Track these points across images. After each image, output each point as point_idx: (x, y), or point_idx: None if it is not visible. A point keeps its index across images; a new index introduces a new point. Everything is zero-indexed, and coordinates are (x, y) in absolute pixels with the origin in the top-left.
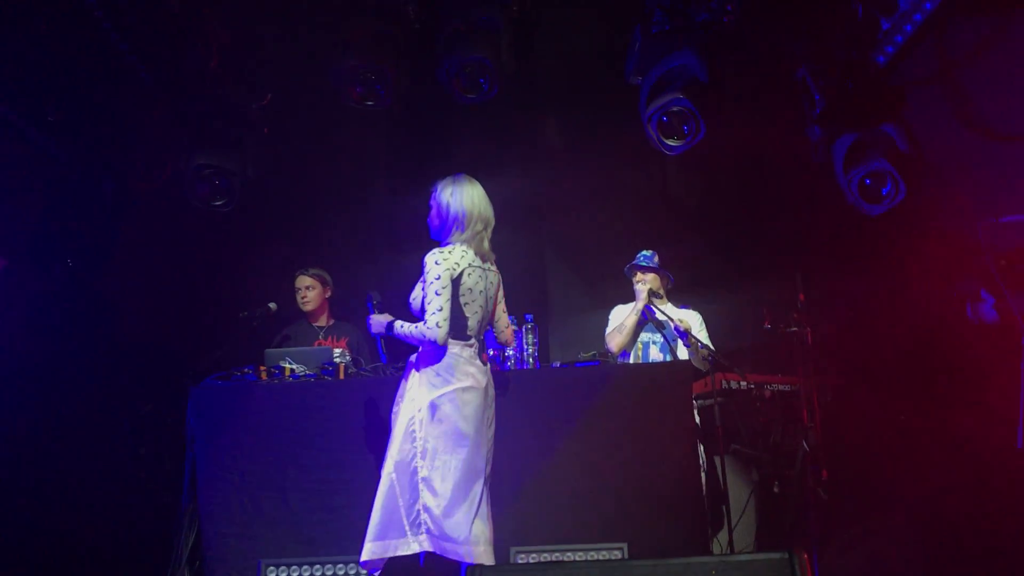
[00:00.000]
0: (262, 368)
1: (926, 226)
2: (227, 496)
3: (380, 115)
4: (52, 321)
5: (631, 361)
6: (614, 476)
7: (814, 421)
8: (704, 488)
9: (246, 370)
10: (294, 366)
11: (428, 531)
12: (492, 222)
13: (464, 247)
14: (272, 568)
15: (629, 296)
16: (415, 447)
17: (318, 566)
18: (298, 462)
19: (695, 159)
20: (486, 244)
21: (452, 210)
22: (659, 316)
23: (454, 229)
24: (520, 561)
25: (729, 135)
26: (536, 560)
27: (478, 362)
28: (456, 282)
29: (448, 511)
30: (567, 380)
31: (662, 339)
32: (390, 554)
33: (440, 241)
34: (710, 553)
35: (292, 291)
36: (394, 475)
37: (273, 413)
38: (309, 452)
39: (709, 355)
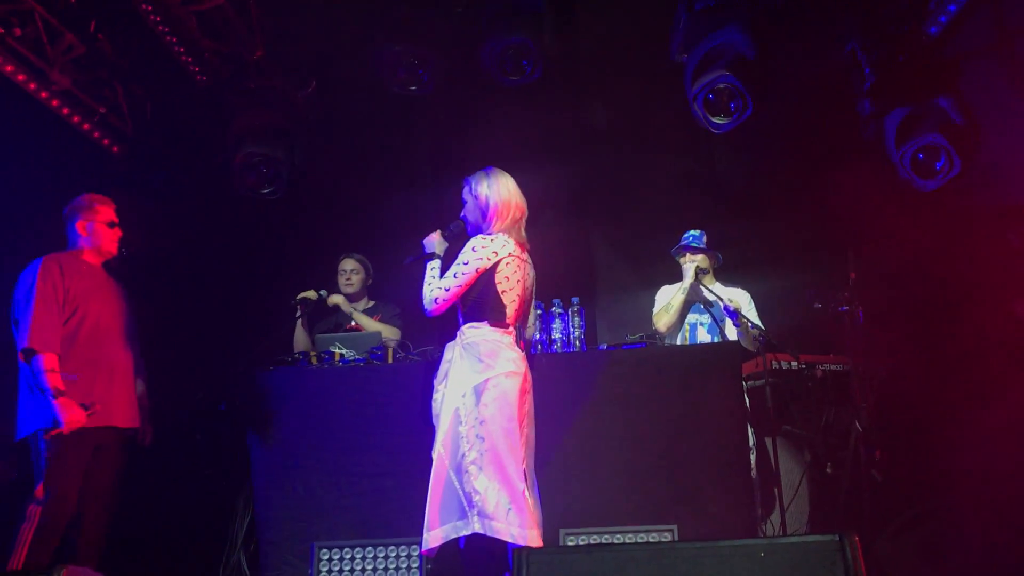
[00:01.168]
0: (313, 353)
1: (982, 202)
2: (280, 480)
3: (423, 100)
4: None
5: (679, 342)
6: (664, 458)
7: (867, 401)
8: (755, 470)
9: (297, 356)
10: (344, 351)
11: (479, 513)
12: (526, 213)
13: (505, 237)
14: (325, 550)
15: (677, 276)
16: (461, 431)
17: (370, 548)
18: (349, 446)
19: (742, 137)
20: (523, 234)
21: (491, 201)
22: (707, 296)
23: (494, 220)
24: (570, 543)
25: (777, 112)
26: (585, 542)
27: (518, 349)
28: (492, 271)
29: (496, 494)
30: (614, 362)
31: (710, 320)
32: (451, 536)
33: (480, 229)
34: (761, 535)
35: (334, 275)
36: (445, 459)
37: (324, 397)
38: (360, 435)
39: (760, 335)
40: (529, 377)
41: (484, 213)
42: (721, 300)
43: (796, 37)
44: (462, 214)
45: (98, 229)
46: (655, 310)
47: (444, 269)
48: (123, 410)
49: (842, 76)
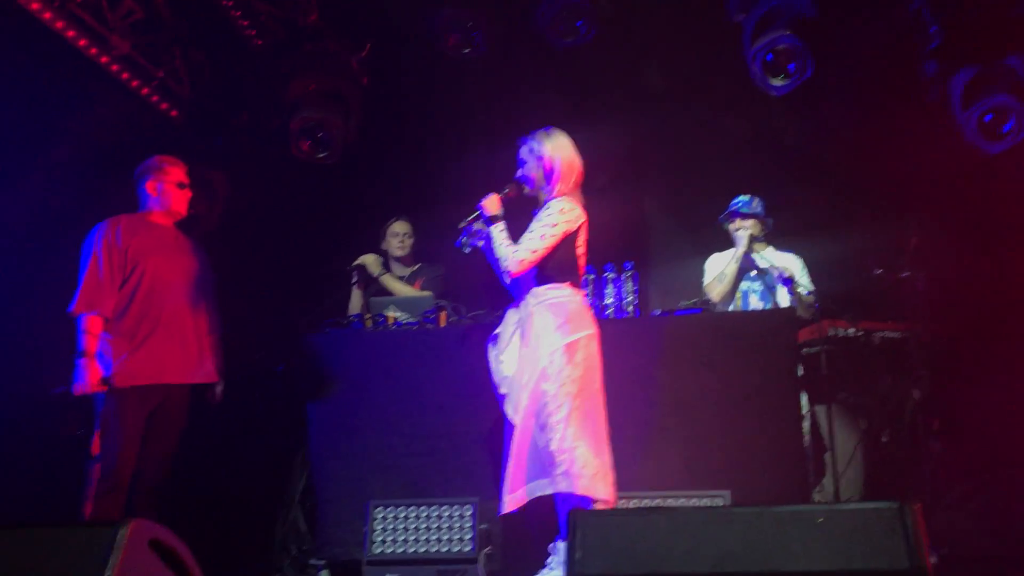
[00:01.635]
0: (367, 316)
1: None
2: (336, 440)
3: (477, 63)
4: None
5: (730, 311)
6: (717, 424)
7: (926, 369)
8: (808, 438)
9: (352, 318)
10: (397, 314)
11: (565, 472)
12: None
13: (575, 201)
14: (380, 508)
15: (729, 242)
16: (548, 389)
17: (423, 507)
18: (403, 407)
19: (802, 99)
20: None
21: (556, 163)
22: (760, 262)
23: (558, 182)
24: (623, 507)
25: (838, 73)
26: (638, 506)
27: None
28: (576, 234)
29: (584, 453)
30: (668, 328)
31: (762, 287)
32: (534, 495)
33: (547, 195)
34: (813, 502)
35: (381, 238)
36: (529, 419)
37: (378, 359)
38: (413, 397)
39: (815, 301)
40: None
41: (548, 175)
42: (774, 267)
43: None
44: (520, 175)
45: (167, 189)
46: (706, 280)
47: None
48: (183, 367)
49: (906, 36)
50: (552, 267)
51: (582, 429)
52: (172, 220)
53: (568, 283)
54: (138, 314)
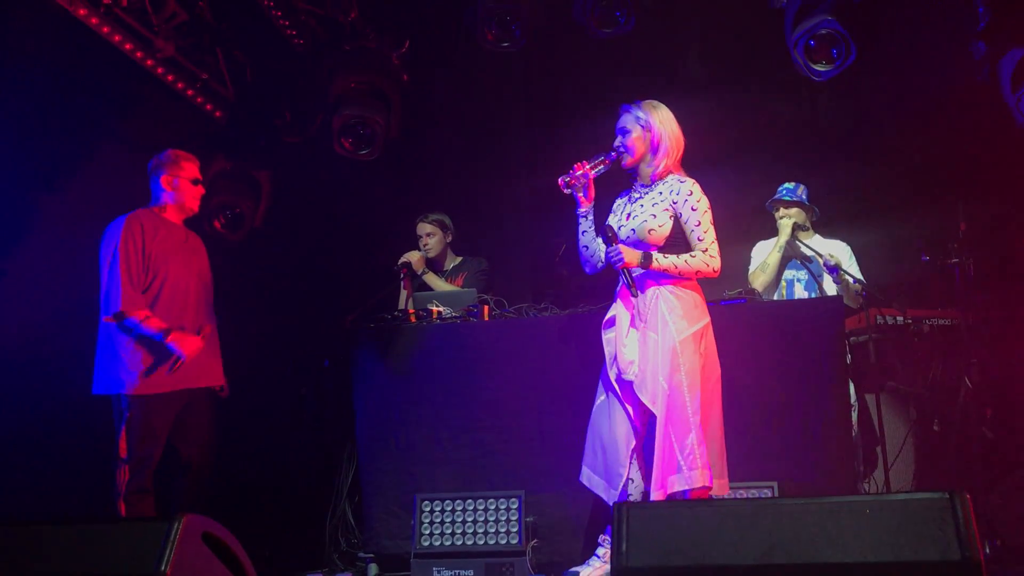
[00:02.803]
0: (412, 311)
1: None
2: (383, 434)
3: (516, 56)
4: (214, 271)
5: (775, 300)
6: (763, 415)
7: (977, 357)
8: (856, 427)
9: (397, 313)
10: (441, 308)
11: (704, 464)
12: None
13: None
14: (427, 502)
15: (775, 230)
16: (683, 379)
17: (470, 500)
18: (448, 401)
19: (845, 84)
20: None
21: (666, 135)
22: (805, 251)
23: (665, 155)
24: None
25: (882, 57)
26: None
27: None
28: None
29: (712, 445)
30: (712, 318)
31: (807, 275)
32: (672, 489)
33: (651, 168)
34: (862, 493)
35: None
36: (671, 410)
37: (423, 354)
38: (457, 391)
39: (862, 290)
40: None
41: (656, 147)
42: (820, 256)
43: None
44: (621, 144)
45: (182, 185)
46: (751, 268)
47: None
48: (204, 370)
49: (953, 17)
50: (677, 251)
51: (709, 420)
52: (184, 216)
53: None
54: (162, 319)
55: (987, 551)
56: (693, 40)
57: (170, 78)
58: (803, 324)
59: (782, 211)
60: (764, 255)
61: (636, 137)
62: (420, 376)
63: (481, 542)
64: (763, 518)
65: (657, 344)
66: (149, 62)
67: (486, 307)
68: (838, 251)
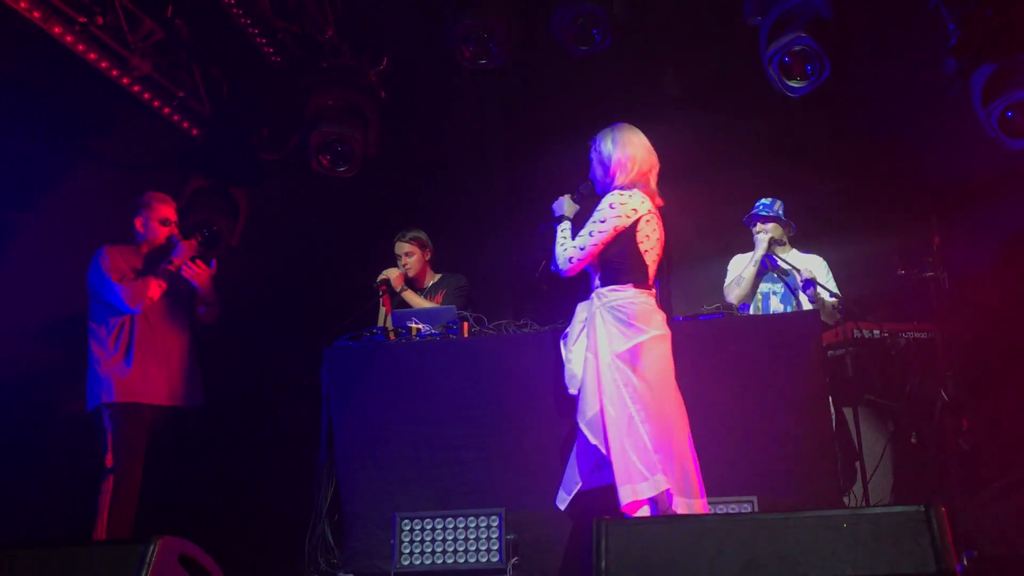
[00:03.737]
0: (391, 328)
1: None
2: (362, 452)
3: (494, 74)
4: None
5: (751, 313)
6: (742, 430)
7: (953, 369)
8: (836, 440)
9: (375, 331)
10: (420, 325)
11: (635, 478)
12: (656, 166)
13: (642, 194)
14: (407, 520)
15: (752, 244)
16: (609, 398)
17: (450, 519)
18: (427, 418)
19: (820, 100)
20: (655, 188)
21: (613, 156)
22: (782, 265)
23: (617, 175)
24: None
25: (857, 73)
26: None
27: (660, 310)
28: (633, 229)
29: (657, 459)
30: (690, 333)
31: (784, 289)
32: (640, 496)
33: (606, 191)
34: (843, 507)
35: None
36: (612, 418)
37: (402, 371)
38: (437, 408)
39: (839, 304)
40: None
41: (606, 169)
42: (797, 271)
43: None
44: (590, 174)
45: (152, 226)
46: (726, 281)
47: (575, 232)
48: (171, 391)
49: (924, 33)
50: (610, 265)
51: (649, 436)
52: (156, 249)
53: (631, 283)
54: (132, 339)
55: (964, 562)
56: (669, 57)
57: (146, 96)
58: (781, 338)
59: (759, 226)
60: (740, 268)
61: (594, 165)
62: (399, 394)
63: (462, 560)
64: (741, 534)
65: (592, 364)
66: (125, 80)
67: (466, 324)
68: (814, 266)
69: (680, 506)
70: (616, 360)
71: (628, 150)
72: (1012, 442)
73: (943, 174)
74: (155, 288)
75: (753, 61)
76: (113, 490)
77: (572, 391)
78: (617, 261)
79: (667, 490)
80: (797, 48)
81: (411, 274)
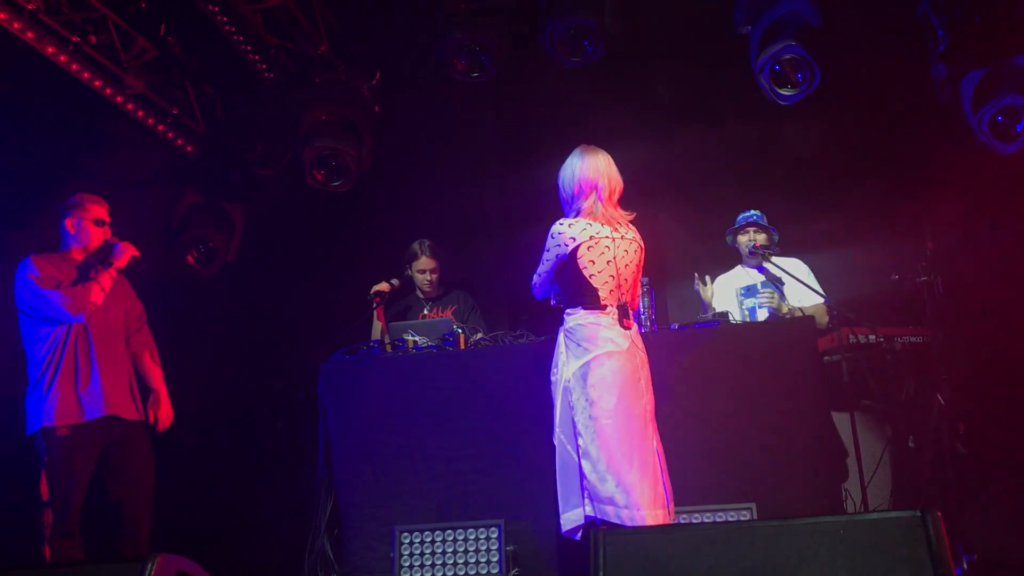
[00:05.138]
0: (387, 341)
1: None
2: (360, 466)
3: (486, 87)
4: (189, 305)
5: None
6: (741, 436)
7: (948, 373)
8: (834, 446)
9: (372, 344)
10: (417, 338)
11: (590, 496)
12: (615, 187)
13: (588, 219)
14: (406, 534)
15: (737, 257)
16: (571, 414)
17: (449, 531)
18: (425, 431)
19: (812, 108)
20: (611, 210)
21: (568, 183)
22: (773, 272)
23: (575, 200)
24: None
25: (847, 80)
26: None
27: (619, 328)
28: (573, 256)
29: (603, 476)
30: (687, 342)
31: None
32: (580, 522)
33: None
34: (842, 512)
35: (405, 264)
36: (565, 444)
37: (399, 384)
38: (435, 421)
39: (833, 309)
40: (640, 355)
41: (563, 196)
42: (790, 275)
43: (864, 2)
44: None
45: (85, 227)
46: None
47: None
48: (119, 402)
49: (914, 40)
50: (563, 290)
51: (605, 453)
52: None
53: (580, 306)
54: (69, 355)
55: (964, 566)
56: (660, 67)
57: (140, 114)
58: (777, 345)
59: (752, 233)
60: (723, 287)
61: (559, 193)
62: (396, 407)
63: (461, 572)
64: (737, 541)
65: (556, 383)
66: (119, 98)
67: (461, 335)
68: (795, 269)
69: (647, 518)
70: (569, 381)
71: (577, 173)
72: (1009, 445)
73: (935, 179)
74: (97, 292)
75: (744, 70)
76: (52, 526)
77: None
78: (567, 286)
79: (615, 507)
80: (787, 56)
81: (429, 290)
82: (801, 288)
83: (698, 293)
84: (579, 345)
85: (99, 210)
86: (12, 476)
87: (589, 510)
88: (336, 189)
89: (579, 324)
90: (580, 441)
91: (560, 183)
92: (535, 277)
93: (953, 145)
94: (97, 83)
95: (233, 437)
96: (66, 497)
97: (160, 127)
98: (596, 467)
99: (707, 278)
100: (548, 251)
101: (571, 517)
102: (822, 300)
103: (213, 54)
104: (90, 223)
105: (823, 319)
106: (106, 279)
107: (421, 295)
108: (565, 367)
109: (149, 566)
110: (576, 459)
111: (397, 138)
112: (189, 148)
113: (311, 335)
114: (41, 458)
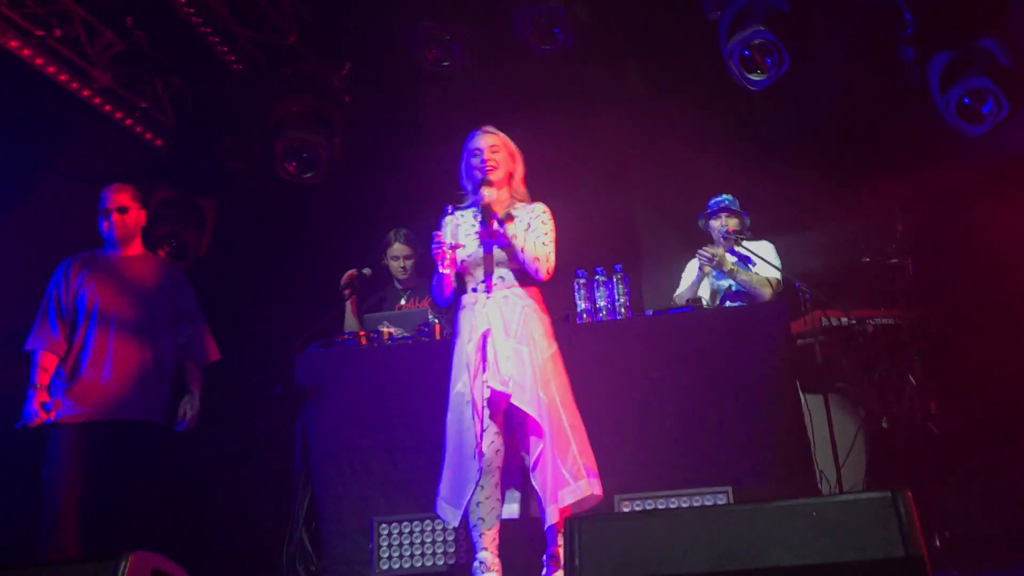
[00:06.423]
0: (362, 333)
1: None
2: (337, 458)
3: (458, 76)
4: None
5: None
6: (716, 421)
7: (920, 354)
8: (808, 428)
9: (346, 336)
10: (392, 329)
11: (590, 473)
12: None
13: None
14: (384, 525)
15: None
16: (555, 394)
17: (428, 521)
18: (401, 422)
19: (781, 93)
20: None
21: (520, 158)
22: (741, 252)
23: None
24: (624, 509)
25: (816, 65)
26: (640, 508)
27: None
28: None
29: (586, 456)
30: (662, 328)
31: (737, 285)
32: (564, 503)
33: (516, 193)
34: (817, 494)
35: (380, 254)
36: (549, 424)
37: (375, 376)
38: (411, 412)
39: (806, 292)
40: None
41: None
42: (759, 256)
43: None
44: (492, 172)
45: (113, 219)
46: (679, 291)
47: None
48: (124, 403)
49: (882, 23)
50: (526, 267)
51: (580, 433)
52: (126, 249)
53: (539, 284)
54: (79, 351)
55: (937, 544)
56: (631, 54)
57: (108, 108)
58: (750, 329)
59: (724, 219)
60: (694, 274)
61: (511, 162)
62: (372, 398)
63: (440, 562)
64: (712, 526)
65: (528, 357)
66: (86, 92)
67: (437, 326)
68: (764, 250)
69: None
70: (552, 360)
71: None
72: (979, 424)
73: (904, 161)
74: None
75: (714, 56)
76: (46, 512)
77: (510, 389)
78: (527, 264)
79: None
80: (757, 41)
81: (403, 276)
82: (769, 269)
83: (704, 257)
84: (551, 330)
85: (119, 198)
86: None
87: (586, 489)
88: (308, 181)
89: (544, 307)
90: (568, 422)
91: (517, 155)
92: (551, 259)
93: (922, 128)
94: (63, 77)
95: (208, 432)
96: (60, 487)
97: (128, 121)
98: (581, 448)
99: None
100: (551, 230)
101: (574, 489)
102: (777, 277)
103: (181, 47)
104: (114, 213)
105: (766, 290)
106: (34, 376)
107: (398, 285)
108: (543, 343)
109: (122, 564)
110: (564, 441)
111: (369, 129)
112: (159, 142)
113: (286, 328)
114: (44, 447)
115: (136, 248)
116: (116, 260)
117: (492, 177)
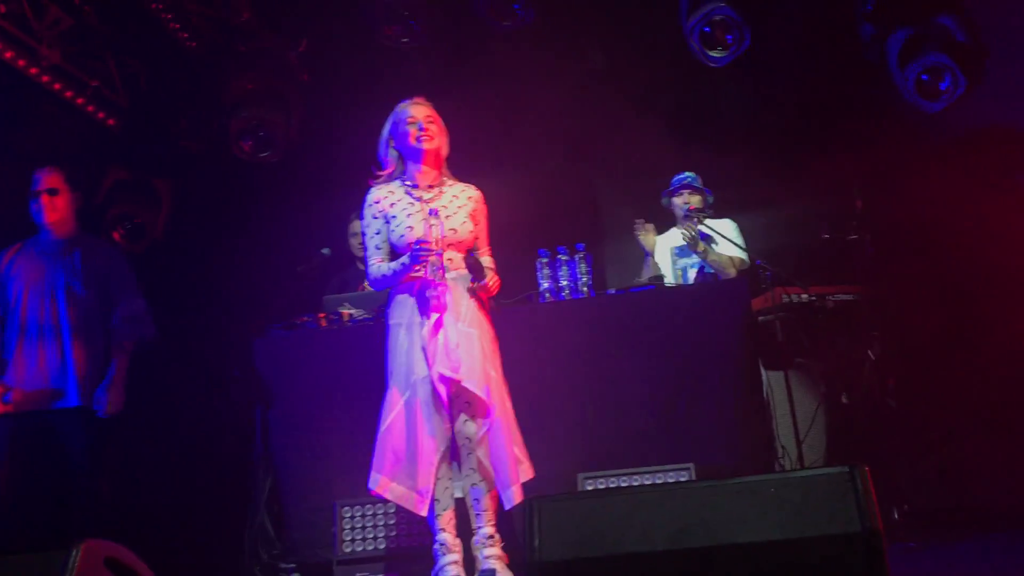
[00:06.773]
0: (322, 315)
1: (990, 120)
2: (299, 441)
3: (418, 52)
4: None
5: None
6: (678, 398)
7: (878, 330)
8: (770, 405)
9: (306, 318)
10: (353, 311)
11: (526, 455)
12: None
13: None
14: (347, 508)
15: (672, 218)
16: (500, 376)
17: (391, 504)
18: (363, 404)
19: (742, 69)
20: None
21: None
22: (708, 232)
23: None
24: (588, 487)
25: (777, 41)
26: (604, 486)
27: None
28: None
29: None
30: (623, 306)
31: (699, 261)
32: (523, 480)
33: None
34: (780, 470)
35: (340, 235)
36: (500, 405)
37: (335, 358)
38: (373, 394)
39: (766, 270)
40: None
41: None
42: (721, 235)
43: None
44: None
45: (42, 201)
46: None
47: None
48: (54, 392)
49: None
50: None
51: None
52: (58, 232)
53: None
54: (22, 340)
55: (896, 517)
56: (591, 30)
57: (57, 86)
58: (712, 306)
59: (687, 196)
60: (658, 251)
61: (443, 138)
62: (333, 381)
63: (404, 544)
64: (672, 503)
65: (478, 340)
66: (34, 70)
67: None
68: (725, 228)
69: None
70: (493, 344)
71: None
72: (936, 399)
73: (864, 138)
74: None
75: (675, 32)
76: None
77: (460, 375)
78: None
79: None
80: (717, 18)
81: (361, 254)
82: (731, 247)
83: (639, 241)
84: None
85: (47, 180)
86: None
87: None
88: (265, 160)
89: None
90: (507, 406)
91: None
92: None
93: (881, 104)
94: (8, 54)
95: (167, 417)
96: None
97: (79, 100)
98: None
99: (650, 225)
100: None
101: (525, 469)
102: (741, 256)
103: (133, 23)
104: (42, 195)
105: (730, 270)
106: None
107: (360, 265)
108: (485, 330)
109: (74, 554)
110: (508, 423)
111: (327, 106)
112: (111, 122)
113: (245, 311)
114: None
115: (69, 231)
116: (45, 246)
117: (427, 146)
